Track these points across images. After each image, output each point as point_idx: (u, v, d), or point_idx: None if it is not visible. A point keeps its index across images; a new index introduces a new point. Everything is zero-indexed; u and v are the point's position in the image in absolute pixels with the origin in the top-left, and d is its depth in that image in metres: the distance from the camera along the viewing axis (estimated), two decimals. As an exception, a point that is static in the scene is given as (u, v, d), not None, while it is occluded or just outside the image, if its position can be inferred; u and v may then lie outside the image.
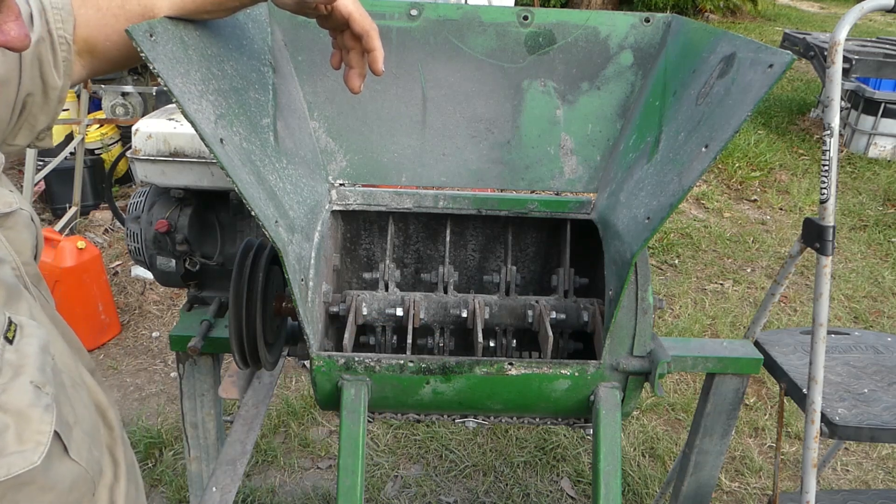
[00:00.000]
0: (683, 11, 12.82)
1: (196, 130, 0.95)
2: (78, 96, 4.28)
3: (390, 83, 1.51)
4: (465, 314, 1.52)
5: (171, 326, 2.64)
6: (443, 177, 1.57)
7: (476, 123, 1.55)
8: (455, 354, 1.58)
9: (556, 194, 1.65)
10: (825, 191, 1.57)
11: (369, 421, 1.45)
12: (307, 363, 2.01)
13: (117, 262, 4.18)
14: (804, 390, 1.70)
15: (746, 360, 1.76)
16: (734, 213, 5.53)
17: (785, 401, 1.85)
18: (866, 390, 1.80)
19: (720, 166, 6.23)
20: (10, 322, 0.74)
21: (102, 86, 4.72)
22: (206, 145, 0.97)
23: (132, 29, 0.86)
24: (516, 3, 5.32)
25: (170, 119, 1.86)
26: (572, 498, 2.73)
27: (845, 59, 4.93)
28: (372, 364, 1.35)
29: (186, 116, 0.94)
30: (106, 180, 4.19)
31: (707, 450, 1.90)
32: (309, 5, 1.02)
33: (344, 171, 1.55)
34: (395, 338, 1.59)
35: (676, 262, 4.70)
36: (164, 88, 0.90)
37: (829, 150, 1.54)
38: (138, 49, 0.87)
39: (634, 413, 3.16)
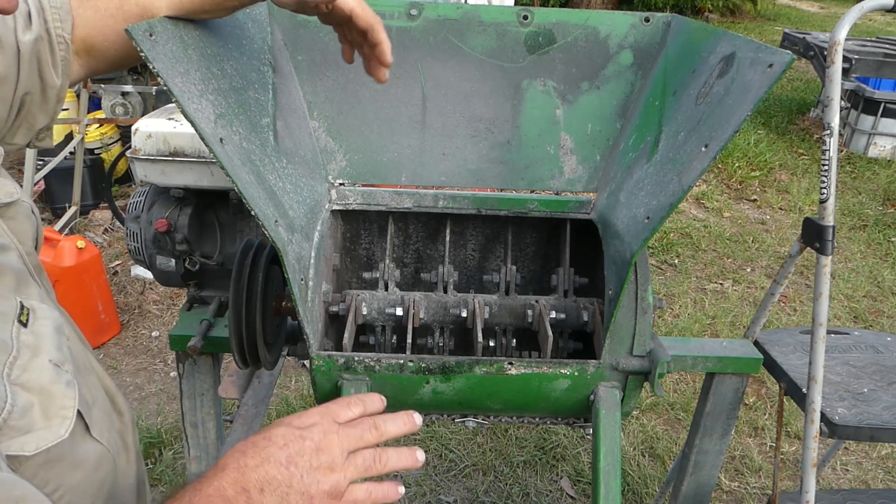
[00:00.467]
0: (683, 11, 12.81)
1: (196, 130, 0.95)
2: (77, 96, 4.28)
3: (390, 83, 1.50)
4: (464, 314, 1.52)
5: (171, 326, 2.64)
6: (442, 176, 1.56)
7: (476, 123, 1.55)
8: (455, 354, 1.58)
9: (556, 194, 1.65)
10: (825, 190, 1.57)
11: (369, 420, 1.44)
12: (307, 363, 2.01)
13: (117, 262, 4.18)
14: (804, 390, 1.70)
15: (746, 360, 1.76)
16: (734, 212, 5.53)
17: (785, 400, 1.85)
18: (866, 390, 1.80)
19: (720, 166, 6.23)
20: (23, 306, 0.76)
21: (102, 85, 4.72)
22: (206, 145, 0.97)
23: (132, 28, 0.86)
24: (516, 3, 5.32)
25: (169, 119, 1.86)
26: (572, 497, 2.73)
27: (845, 59, 4.93)
28: (372, 364, 1.35)
29: (186, 116, 0.93)
30: (106, 180, 4.19)
31: (707, 449, 1.90)
32: (309, 3, 1.02)
33: (344, 170, 1.55)
34: (394, 337, 1.59)
35: (676, 261, 4.70)
36: (164, 88, 0.90)
37: (829, 150, 1.54)
38: (138, 48, 0.87)
39: (634, 412, 3.16)
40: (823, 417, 1.67)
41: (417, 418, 0.92)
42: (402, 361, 1.36)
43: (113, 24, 0.98)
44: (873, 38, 6.44)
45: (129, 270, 4.07)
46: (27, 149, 1.03)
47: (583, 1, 12.63)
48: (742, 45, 1.15)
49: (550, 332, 1.44)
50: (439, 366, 1.36)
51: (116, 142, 4.95)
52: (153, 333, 3.67)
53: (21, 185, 3.80)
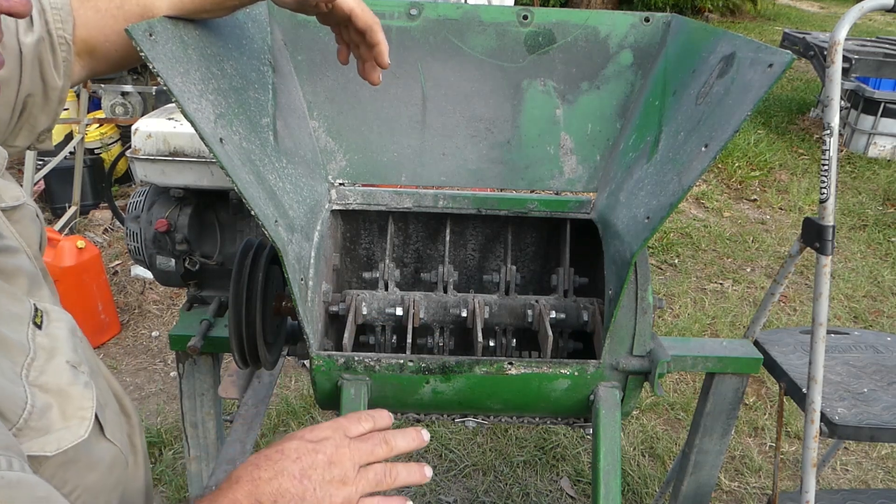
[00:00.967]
0: (683, 11, 12.82)
1: (196, 130, 0.95)
2: (77, 96, 4.28)
3: (390, 83, 1.51)
4: (464, 314, 1.52)
5: (171, 326, 2.64)
6: (442, 176, 1.57)
7: (476, 123, 1.55)
8: (455, 354, 1.58)
9: (556, 194, 1.65)
10: (825, 190, 1.57)
11: (369, 420, 1.44)
12: (307, 363, 2.01)
13: (117, 262, 4.18)
14: (804, 390, 1.70)
15: (746, 360, 1.76)
16: (734, 212, 5.53)
17: (784, 400, 1.85)
18: (866, 390, 1.80)
19: (720, 166, 6.23)
20: (37, 308, 0.76)
21: (102, 85, 4.72)
22: (206, 145, 0.97)
23: (132, 28, 0.86)
24: (516, 3, 5.32)
25: (169, 118, 1.86)
26: (572, 497, 2.73)
27: (845, 59, 4.93)
28: (372, 363, 1.35)
29: (186, 116, 0.94)
30: (105, 180, 4.19)
31: (707, 449, 1.90)
32: (309, 3, 1.02)
33: (344, 170, 1.55)
34: (394, 337, 1.59)
35: (676, 261, 4.70)
36: (164, 88, 0.90)
37: (829, 150, 1.54)
38: (138, 49, 0.87)
39: (634, 412, 3.16)
40: (823, 417, 1.67)
41: (425, 434, 0.94)
42: (402, 361, 1.36)
43: (114, 24, 0.98)
44: (873, 38, 6.45)
45: (129, 270, 4.07)
46: (27, 150, 1.03)
47: (583, 1, 12.63)
48: (742, 45, 1.15)
49: (550, 332, 1.44)
50: (439, 366, 1.36)
51: (116, 142, 4.95)
52: (153, 333, 3.67)
53: (21, 186, 3.79)
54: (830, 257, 1.59)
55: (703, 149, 1.11)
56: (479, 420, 1.54)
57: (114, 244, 4.38)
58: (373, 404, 1.42)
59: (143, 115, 4.28)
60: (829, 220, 1.58)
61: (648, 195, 1.27)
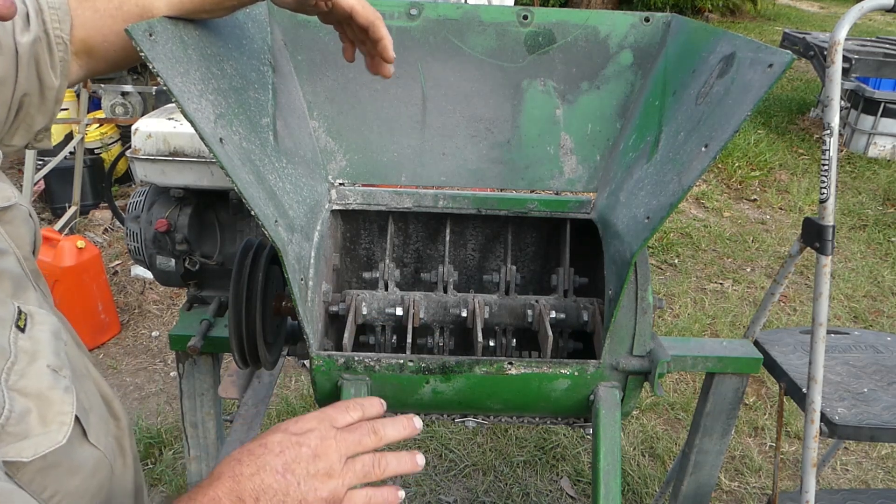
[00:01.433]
0: (683, 11, 12.81)
1: (195, 130, 0.95)
2: (77, 96, 4.28)
3: (390, 83, 1.51)
4: (464, 314, 1.52)
5: (171, 326, 2.64)
6: (442, 176, 1.56)
7: (476, 123, 1.55)
8: (455, 354, 1.58)
9: (556, 194, 1.65)
10: (825, 190, 1.57)
11: (369, 420, 1.44)
12: (307, 363, 2.01)
13: (117, 262, 4.18)
14: (804, 390, 1.70)
15: (746, 360, 1.76)
16: (734, 212, 5.53)
17: (784, 400, 1.85)
18: (866, 390, 1.80)
19: (720, 166, 6.23)
20: (20, 311, 0.75)
21: (102, 85, 4.72)
22: (206, 145, 0.97)
23: (132, 28, 0.86)
24: (516, 3, 5.32)
25: (169, 118, 1.86)
26: (572, 497, 2.73)
27: (845, 59, 4.93)
28: (372, 363, 1.35)
29: (186, 116, 0.93)
30: (105, 180, 4.19)
31: (707, 449, 1.90)
32: (309, 2, 1.02)
33: (344, 170, 1.55)
34: (394, 337, 1.59)
35: (676, 261, 4.70)
36: (164, 88, 0.90)
37: (829, 150, 1.54)
38: (138, 49, 0.87)
39: (634, 412, 3.16)
40: (823, 417, 1.67)
41: (417, 422, 0.91)
42: (402, 361, 1.36)
43: (112, 24, 0.98)
44: (873, 38, 6.44)
45: (129, 270, 4.07)
46: (26, 150, 1.02)
47: (583, 1, 12.63)
48: (742, 45, 1.15)
49: (550, 332, 1.44)
50: (439, 366, 1.36)
51: (116, 142, 4.95)
52: (153, 333, 3.67)
53: (20, 186, 3.80)
54: (830, 257, 1.59)
55: (703, 149, 1.11)
56: (479, 420, 1.53)
57: (114, 244, 4.38)
58: (373, 404, 1.42)
59: (143, 115, 4.28)
60: (829, 220, 1.58)
61: (648, 195, 1.27)
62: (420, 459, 0.88)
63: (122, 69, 3.75)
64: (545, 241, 1.74)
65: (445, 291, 1.57)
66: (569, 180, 1.56)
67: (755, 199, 5.79)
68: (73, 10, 0.96)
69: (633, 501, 2.73)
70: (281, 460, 0.78)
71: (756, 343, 1.91)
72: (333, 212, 1.56)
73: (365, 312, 1.53)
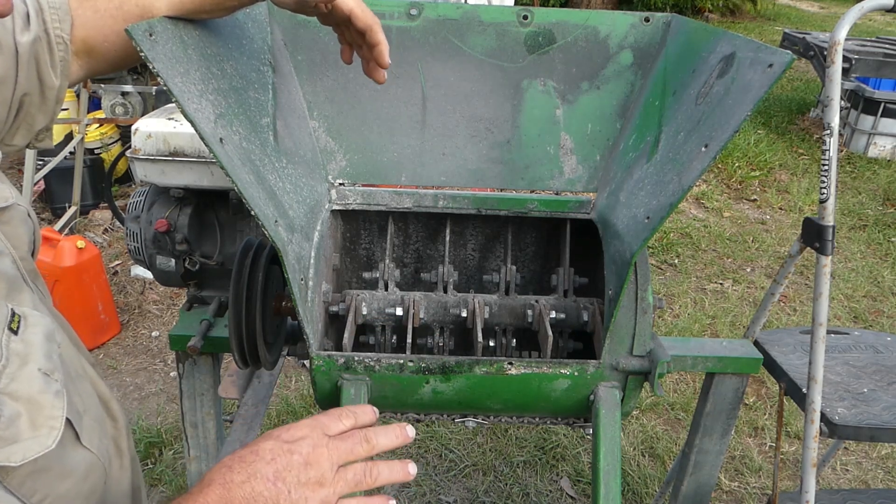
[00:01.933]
0: (683, 11, 12.81)
1: (196, 130, 0.95)
2: (77, 96, 4.28)
3: (390, 83, 1.51)
4: (464, 314, 1.52)
5: (171, 326, 2.64)
6: (442, 176, 1.56)
7: (476, 123, 1.55)
8: (455, 354, 1.58)
9: (556, 194, 1.65)
10: (825, 190, 1.57)
11: (369, 420, 1.44)
12: (307, 363, 2.01)
13: (117, 262, 4.18)
14: (804, 390, 1.70)
15: (746, 360, 1.76)
16: (734, 212, 5.53)
17: (784, 400, 1.85)
18: (866, 390, 1.80)
19: (720, 166, 6.23)
20: (14, 313, 0.74)
21: (102, 85, 4.72)
22: (206, 145, 0.97)
23: (132, 28, 0.86)
24: (516, 3, 5.32)
25: (169, 118, 1.86)
26: (572, 497, 2.73)
27: (845, 59, 4.93)
28: (372, 363, 1.35)
29: (186, 116, 0.93)
30: (105, 180, 4.19)
31: (707, 449, 1.90)
32: (309, 3, 1.02)
33: (344, 170, 1.55)
34: (394, 337, 1.59)
35: (676, 261, 4.70)
36: (164, 88, 0.90)
37: (829, 150, 1.54)
38: (138, 49, 0.87)
39: (634, 413, 3.16)
40: (823, 417, 1.67)
41: (410, 431, 0.90)
42: (402, 361, 1.36)
43: (112, 24, 0.98)
44: (873, 38, 6.45)
45: (129, 270, 4.07)
46: (26, 149, 1.02)
47: (583, 1, 12.63)
48: (742, 45, 1.15)
49: (550, 332, 1.44)
50: (439, 366, 1.36)
51: (116, 142, 4.95)
52: (153, 333, 3.67)
53: (20, 186, 3.80)
54: (830, 257, 1.59)
55: (703, 149, 1.11)
56: (479, 420, 1.53)
57: (114, 244, 4.39)
58: (372, 404, 1.42)
59: (143, 115, 4.28)
60: (829, 220, 1.58)
61: (648, 195, 1.27)
62: (412, 469, 0.87)
63: (123, 69, 3.74)
64: (545, 241, 1.74)
65: (445, 291, 1.57)
66: (569, 180, 1.56)
67: (755, 199, 5.79)
68: (73, 10, 0.96)
69: (633, 501, 2.73)
70: (272, 468, 0.78)
71: (756, 343, 1.91)
72: (333, 212, 1.56)
73: (365, 312, 1.53)
